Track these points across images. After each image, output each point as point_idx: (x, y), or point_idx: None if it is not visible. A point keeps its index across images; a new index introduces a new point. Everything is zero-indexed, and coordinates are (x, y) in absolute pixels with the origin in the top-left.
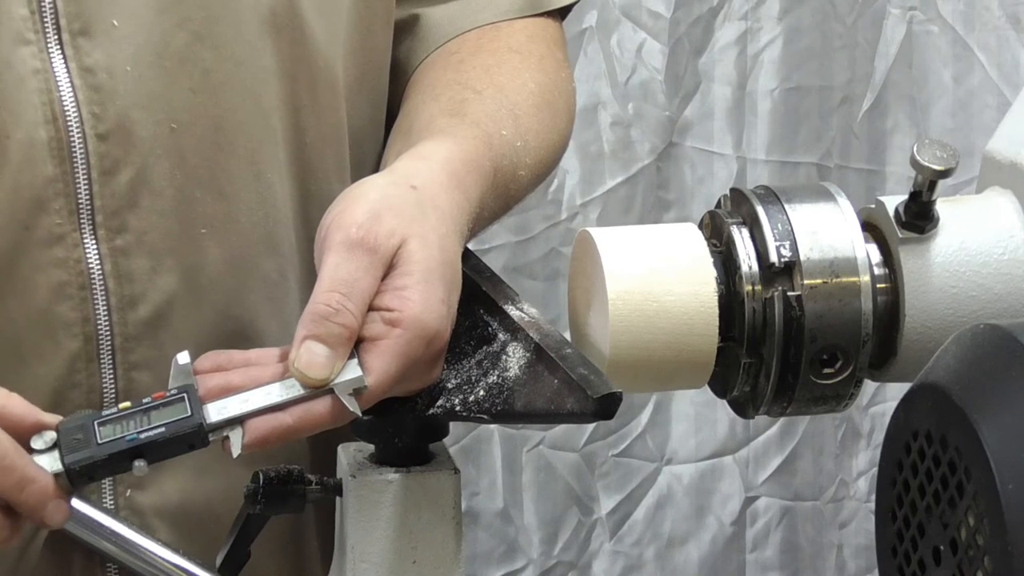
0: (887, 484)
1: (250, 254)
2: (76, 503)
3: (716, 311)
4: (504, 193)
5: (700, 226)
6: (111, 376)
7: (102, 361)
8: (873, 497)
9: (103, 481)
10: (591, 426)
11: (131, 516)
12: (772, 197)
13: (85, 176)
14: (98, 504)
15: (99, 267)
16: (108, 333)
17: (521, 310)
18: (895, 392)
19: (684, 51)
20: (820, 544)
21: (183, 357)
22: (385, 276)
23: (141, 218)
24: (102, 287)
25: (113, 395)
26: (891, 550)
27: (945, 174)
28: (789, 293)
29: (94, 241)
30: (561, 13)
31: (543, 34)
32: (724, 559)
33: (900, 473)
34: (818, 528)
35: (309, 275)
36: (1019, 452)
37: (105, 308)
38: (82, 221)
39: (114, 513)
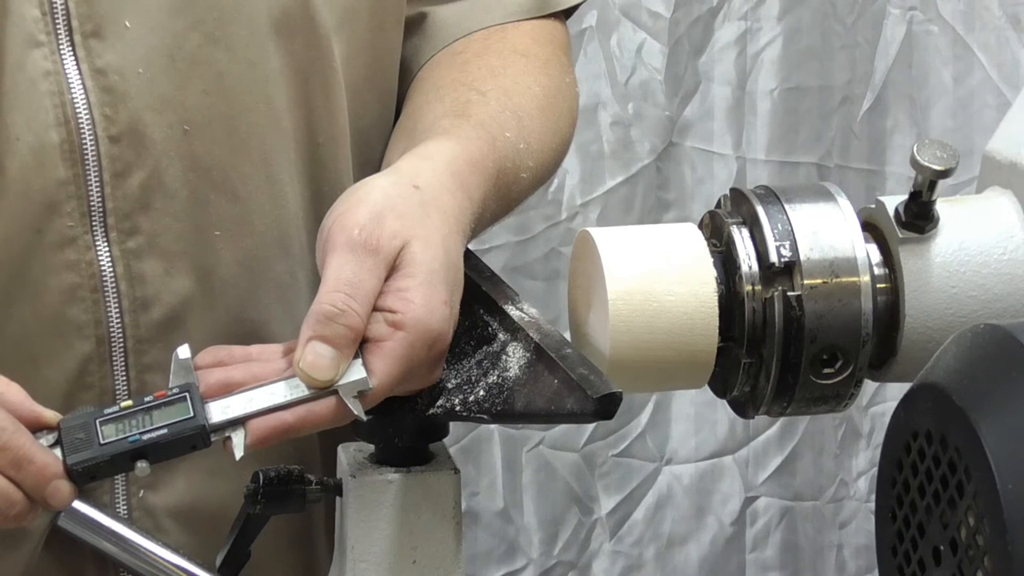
0: (887, 484)
1: (263, 256)
2: (77, 504)
3: (716, 311)
4: (506, 195)
5: (700, 226)
6: (123, 378)
7: (114, 363)
8: (873, 497)
9: (116, 483)
10: (591, 426)
11: (144, 517)
12: (772, 197)
13: (97, 179)
14: (102, 504)
15: (111, 269)
16: (120, 335)
17: (521, 310)
18: (895, 392)
19: (684, 51)
20: (820, 544)
21: (183, 351)
22: (388, 277)
23: (154, 220)
24: (114, 289)
25: (125, 397)
26: (891, 550)
27: (945, 174)
28: (789, 293)
29: (106, 243)
30: (566, 14)
31: (549, 37)
32: (724, 559)
33: (900, 473)
34: (818, 528)
35: (319, 276)
36: (1019, 452)
37: (117, 310)
38: (94, 224)
39: (115, 513)
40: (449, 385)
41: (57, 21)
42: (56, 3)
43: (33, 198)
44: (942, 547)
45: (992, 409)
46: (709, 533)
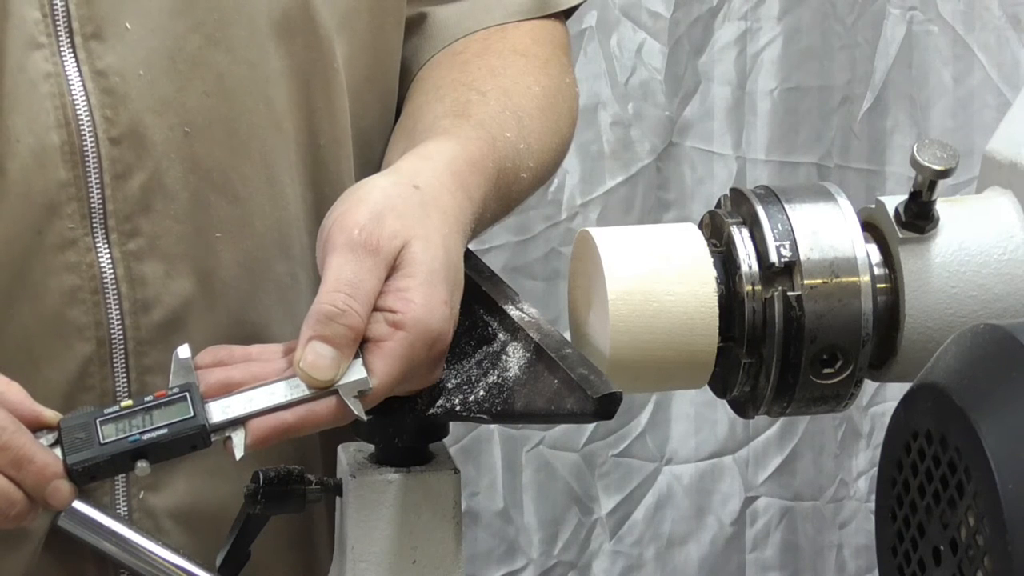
0: (887, 484)
1: (263, 257)
2: (77, 504)
3: (716, 311)
4: (506, 195)
5: (700, 226)
6: (124, 379)
7: (115, 365)
8: (873, 497)
9: (116, 484)
10: (591, 426)
11: (144, 518)
12: (772, 197)
13: (98, 180)
14: (102, 505)
15: (112, 271)
16: (121, 337)
17: (521, 310)
18: (895, 392)
19: (684, 51)
20: (820, 544)
21: (184, 351)
22: (388, 277)
23: (154, 222)
24: (115, 291)
25: (126, 398)
26: (891, 550)
27: (945, 174)
28: (789, 293)
29: (107, 245)
30: (566, 14)
31: (549, 37)
32: (724, 559)
33: (900, 473)
34: (818, 528)
35: (319, 277)
36: (1019, 452)
37: (118, 312)
38: (95, 225)
39: (115, 513)
40: (449, 385)
41: (58, 23)
42: (57, 5)
43: (34, 200)
44: (942, 547)
45: (992, 409)
46: (709, 533)
